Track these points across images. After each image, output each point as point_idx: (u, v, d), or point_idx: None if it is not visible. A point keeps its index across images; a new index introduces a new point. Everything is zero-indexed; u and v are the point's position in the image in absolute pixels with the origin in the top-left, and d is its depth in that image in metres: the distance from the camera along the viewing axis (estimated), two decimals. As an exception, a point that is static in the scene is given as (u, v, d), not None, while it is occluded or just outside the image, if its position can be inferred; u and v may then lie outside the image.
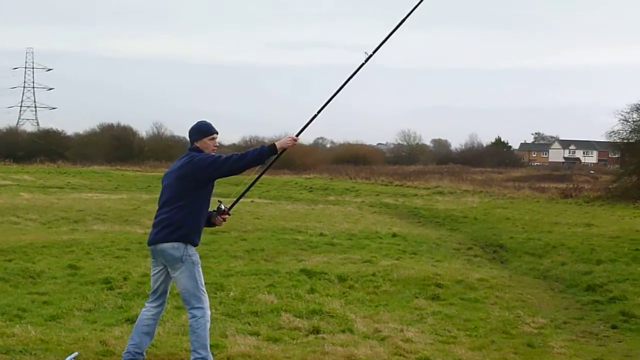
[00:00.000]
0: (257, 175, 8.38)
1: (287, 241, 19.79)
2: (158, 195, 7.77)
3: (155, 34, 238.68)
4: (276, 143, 7.69)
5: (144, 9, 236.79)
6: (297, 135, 7.89)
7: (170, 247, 7.51)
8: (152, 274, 7.81)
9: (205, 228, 7.86)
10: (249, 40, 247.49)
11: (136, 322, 7.83)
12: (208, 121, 7.96)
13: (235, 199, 8.37)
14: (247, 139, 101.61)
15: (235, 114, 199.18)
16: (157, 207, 7.77)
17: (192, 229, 7.60)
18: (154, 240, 7.60)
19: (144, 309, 7.84)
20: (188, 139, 7.86)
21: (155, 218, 7.70)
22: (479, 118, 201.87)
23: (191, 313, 7.58)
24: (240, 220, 25.53)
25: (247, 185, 8.48)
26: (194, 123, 7.93)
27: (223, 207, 8.01)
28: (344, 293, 12.77)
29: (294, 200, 40.37)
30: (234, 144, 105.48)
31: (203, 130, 7.85)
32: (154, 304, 7.80)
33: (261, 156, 7.60)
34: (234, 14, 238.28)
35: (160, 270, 7.71)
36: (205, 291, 7.70)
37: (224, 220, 8.09)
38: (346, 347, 9.02)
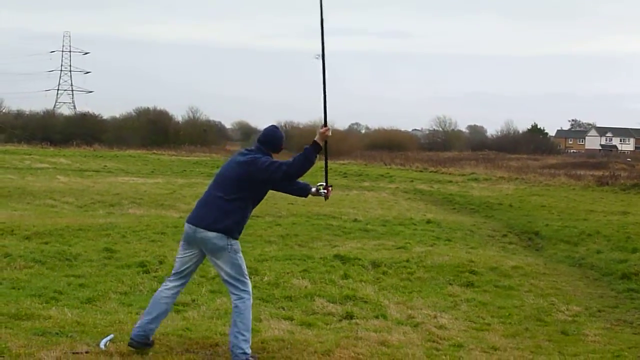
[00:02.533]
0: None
1: (321, 227, 19.80)
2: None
3: (190, 18, 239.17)
4: (316, 139, 7.75)
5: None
6: (325, 124, 7.85)
7: (213, 237, 7.57)
8: (180, 256, 7.83)
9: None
10: (284, 25, 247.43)
11: (152, 301, 7.85)
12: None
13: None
14: (282, 124, 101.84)
15: (270, 99, 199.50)
16: (208, 186, 7.88)
17: (237, 223, 7.69)
18: (197, 223, 7.66)
19: (163, 287, 7.88)
20: (261, 137, 7.96)
21: (205, 198, 7.81)
22: (515, 104, 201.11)
23: (237, 295, 7.67)
24: (275, 206, 25.57)
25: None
26: (275, 130, 8.09)
27: (322, 190, 8.59)
28: (377, 279, 12.78)
29: (328, 186, 40.24)
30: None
31: (279, 145, 8.05)
32: (177, 283, 7.88)
33: (310, 158, 7.70)
34: (266, 1, 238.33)
35: (194, 254, 7.77)
36: (248, 276, 7.79)
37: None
38: (379, 333, 9.04)
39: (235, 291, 7.70)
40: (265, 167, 7.59)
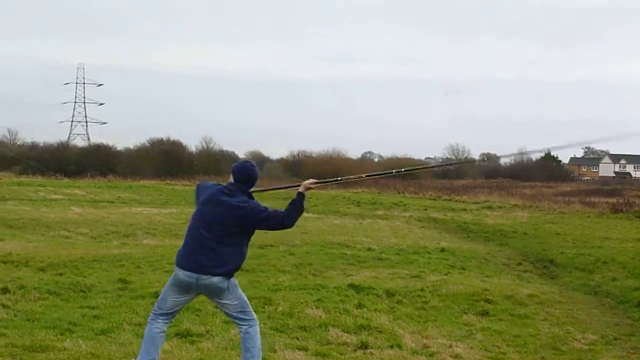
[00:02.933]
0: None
1: (335, 256, 19.78)
2: (203, 215, 7.77)
3: (201, 48, 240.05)
4: (300, 190, 7.97)
5: (188, 27, 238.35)
6: (318, 182, 8.22)
7: (217, 281, 7.56)
8: (174, 299, 7.72)
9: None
10: (294, 54, 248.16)
11: (149, 338, 7.76)
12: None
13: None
14: (295, 153, 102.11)
15: (282, 128, 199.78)
16: (195, 225, 7.74)
17: (238, 265, 7.72)
18: (199, 271, 7.56)
19: (155, 327, 7.75)
20: (238, 176, 7.88)
21: (199, 242, 7.64)
22: (528, 131, 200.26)
23: (248, 324, 7.72)
24: (289, 235, 25.55)
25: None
26: (253, 168, 8.01)
27: None
28: (392, 308, 12.74)
29: (342, 215, 40.34)
30: (282, 158, 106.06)
31: (255, 182, 8.03)
32: (167, 321, 7.86)
33: (302, 209, 7.89)
34: (280, 28, 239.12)
35: (189, 298, 7.82)
36: (249, 303, 7.89)
37: None
38: (394, 363, 9.00)
39: (243, 322, 7.74)
40: (264, 217, 7.68)
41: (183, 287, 7.66)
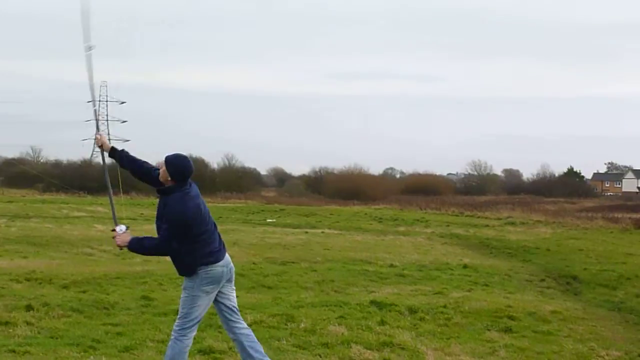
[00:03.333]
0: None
1: (357, 272, 19.77)
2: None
3: (222, 66, 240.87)
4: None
5: (210, 45, 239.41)
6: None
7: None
8: (205, 304, 7.80)
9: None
10: (312, 71, 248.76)
11: (180, 356, 7.78)
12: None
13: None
14: (317, 169, 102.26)
15: (303, 145, 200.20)
16: (214, 225, 7.91)
17: None
18: (225, 257, 7.89)
19: (187, 341, 7.78)
20: (184, 171, 7.86)
21: (217, 238, 7.89)
22: (550, 147, 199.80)
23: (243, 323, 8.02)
24: (311, 252, 25.58)
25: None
26: (185, 158, 7.97)
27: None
28: (414, 325, 12.70)
29: (364, 231, 40.33)
30: (303, 175, 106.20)
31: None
32: (194, 334, 7.91)
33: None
34: (297, 45, 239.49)
35: (214, 295, 7.87)
36: None
37: None
38: (417, 380, 8.98)
39: (240, 317, 7.99)
40: None
41: (217, 281, 7.76)
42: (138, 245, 7.61)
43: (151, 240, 7.60)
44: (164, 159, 7.77)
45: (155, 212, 7.87)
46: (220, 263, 7.78)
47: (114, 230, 7.80)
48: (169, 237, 7.50)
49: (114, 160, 8.21)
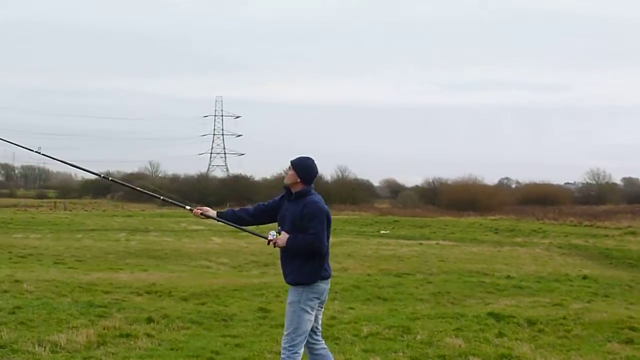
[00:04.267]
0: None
1: (474, 284, 19.59)
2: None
3: (331, 78, 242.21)
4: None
5: (314, 56, 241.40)
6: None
7: None
8: (311, 318, 7.86)
9: None
10: (426, 81, 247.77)
11: None
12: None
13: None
14: (431, 180, 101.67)
15: (416, 155, 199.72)
16: (328, 240, 7.92)
17: None
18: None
19: (299, 358, 7.81)
20: (312, 172, 7.93)
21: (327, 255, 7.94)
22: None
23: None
24: (426, 263, 25.47)
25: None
26: (312, 160, 8.00)
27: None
28: (533, 337, 12.51)
29: (479, 242, 39.94)
30: (417, 186, 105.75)
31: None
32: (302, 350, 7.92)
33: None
34: (410, 57, 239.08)
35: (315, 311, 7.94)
36: None
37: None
38: (537, 393, 8.83)
39: (322, 339, 8.07)
40: None
41: (319, 297, 7.89)
42: (294, 242, 7.66)
43: (304, 236, 7.63)
44: (290, 163, 7.85)
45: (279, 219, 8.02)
46: (327, 280, 7.92)
47: (267, 239, 7.87)
48: (320, 232, 7.63)
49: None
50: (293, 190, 7.83)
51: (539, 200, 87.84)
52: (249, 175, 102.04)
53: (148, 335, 11.86)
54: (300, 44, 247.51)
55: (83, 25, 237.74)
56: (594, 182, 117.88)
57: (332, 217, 7.88)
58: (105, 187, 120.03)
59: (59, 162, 9.25)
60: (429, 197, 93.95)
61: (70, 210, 73.74)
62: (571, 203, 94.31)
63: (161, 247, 31.50)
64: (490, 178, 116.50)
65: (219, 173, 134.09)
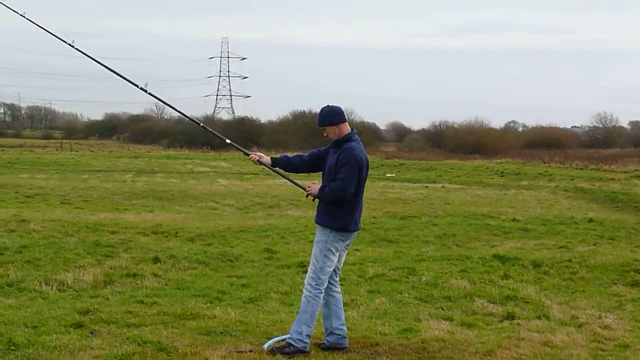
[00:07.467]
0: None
1: (479, 226, 19.61)
2: (363, 182, 7.84)
3: (338, 22, 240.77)
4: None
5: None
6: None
7: None
8: (336, 259, 7.90)
9: None
10: (434, 25, 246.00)
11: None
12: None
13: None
14: (437, 123, 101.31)
15: (422, 98, 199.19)
16: (363, 189, 7.93)
17: None
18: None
19: (322, 295, 7.90)
20: (340, 111, 8.02)
21: (360, 202, 7.95)
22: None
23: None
24: (431, 206, 25.47)
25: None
26: (325, 107, 8.06)
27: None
28: (538, 279, 12.54)
29: (485, 185, 39.93)
30: (423, 129, 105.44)
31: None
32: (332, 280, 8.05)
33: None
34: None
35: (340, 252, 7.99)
36: None
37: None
38: (542, 334, 8.86)
39: (338, 282, 8.18)
40: None
41: (346, 241, 7.93)
42: (322, 193, 7.77)
43: (330, 185, 7.71)
44: (319, 125, 8.00)
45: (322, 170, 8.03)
46: (355, 231, 7.97)
47: (306, 188, 8.02)
48: (346, 179, 7.63)
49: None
50: (335, 139, 7.91)
51: (545, 143, 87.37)
52: (254, 117, 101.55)
53: (155, 274, 11.94)
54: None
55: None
56: (600, 125, 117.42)
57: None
58: (110, 128, 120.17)
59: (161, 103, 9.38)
60: (435, 141, 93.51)
61: (77, 151, 73.74)
62: (577, 147, 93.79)
63: (167, 188, 31.58)
64: (497, 121, 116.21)
65: (224, 115, 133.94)
